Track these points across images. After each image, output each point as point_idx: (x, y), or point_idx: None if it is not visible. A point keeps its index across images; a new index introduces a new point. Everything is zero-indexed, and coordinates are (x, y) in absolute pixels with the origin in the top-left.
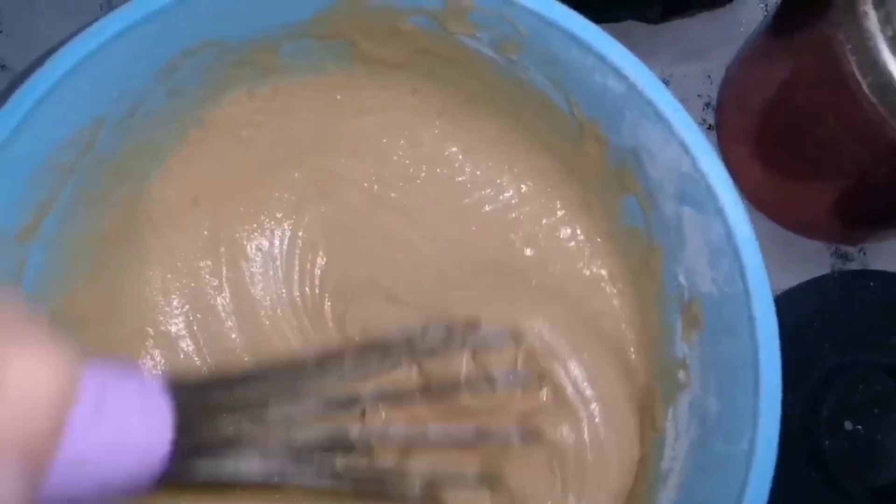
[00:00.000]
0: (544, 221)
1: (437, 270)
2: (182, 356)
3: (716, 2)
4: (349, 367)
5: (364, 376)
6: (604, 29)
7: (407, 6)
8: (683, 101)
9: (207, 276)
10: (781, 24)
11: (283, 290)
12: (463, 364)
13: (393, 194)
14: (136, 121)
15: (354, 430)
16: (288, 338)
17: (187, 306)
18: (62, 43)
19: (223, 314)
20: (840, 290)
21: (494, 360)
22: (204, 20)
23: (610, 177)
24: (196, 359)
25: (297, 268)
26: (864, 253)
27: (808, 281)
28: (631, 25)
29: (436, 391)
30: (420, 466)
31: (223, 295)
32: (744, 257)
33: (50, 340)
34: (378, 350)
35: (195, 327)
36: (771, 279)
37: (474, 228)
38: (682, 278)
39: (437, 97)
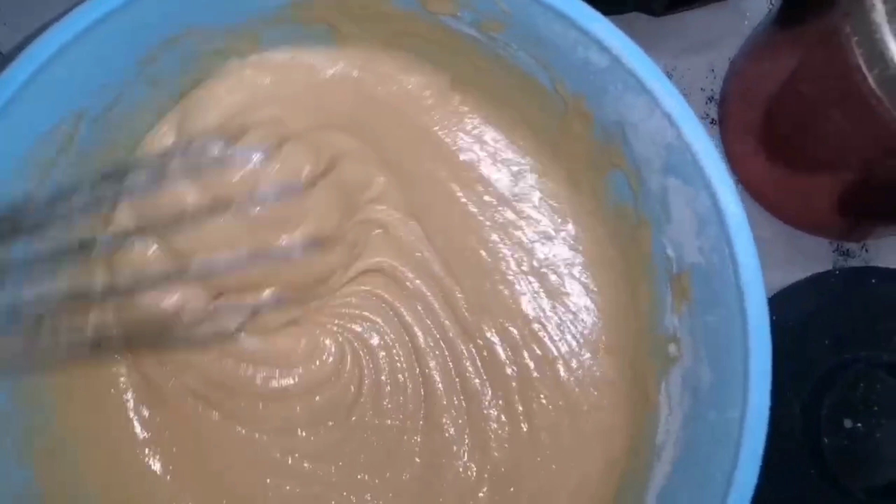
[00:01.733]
0: None
1: None
2: None
3: None
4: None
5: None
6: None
7: None
8: (686, 94)
9: None
10: (788, 17)
11: None
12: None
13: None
14: (115, 114)
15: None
16: None
17: None
18: (44, 27)
19: None
20: (842, 286)
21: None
22: (184, 5)
23: (596, 153)
24: None
25: None
26: (867, 250)
27: (810, 277)
28: (634, 17)
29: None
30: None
31: None
32: (729, 224)
33: None
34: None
35: None
36: (772, 276)
37: (461, 216)
38: (669, 251)
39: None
